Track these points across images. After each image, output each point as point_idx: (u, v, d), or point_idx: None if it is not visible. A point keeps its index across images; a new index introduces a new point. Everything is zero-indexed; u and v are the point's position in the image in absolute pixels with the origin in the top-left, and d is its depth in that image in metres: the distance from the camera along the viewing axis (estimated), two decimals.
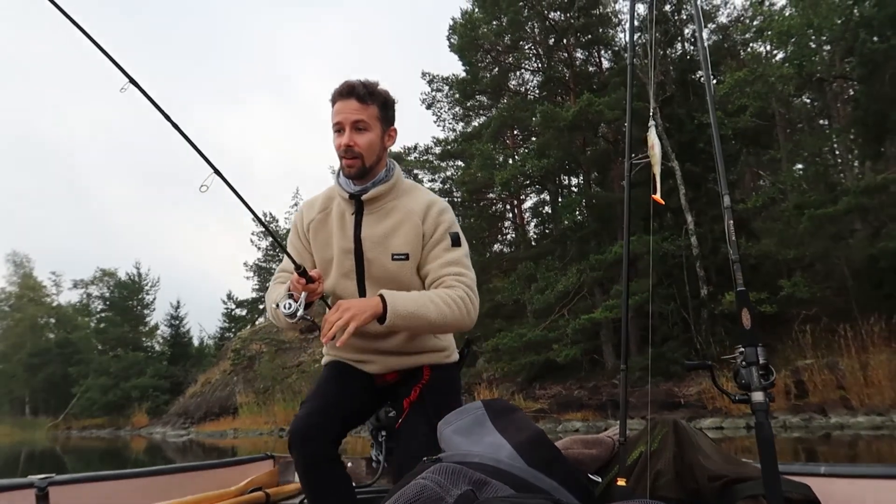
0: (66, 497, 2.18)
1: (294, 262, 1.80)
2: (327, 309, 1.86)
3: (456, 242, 1.87)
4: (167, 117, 1.71)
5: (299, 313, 1.71)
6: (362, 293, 1.90)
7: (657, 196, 1.69)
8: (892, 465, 1.69)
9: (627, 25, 2.07)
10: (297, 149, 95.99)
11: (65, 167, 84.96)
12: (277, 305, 1.75)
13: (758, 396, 1.36)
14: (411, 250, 1.86)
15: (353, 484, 2.62)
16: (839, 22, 12.78)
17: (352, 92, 1.81)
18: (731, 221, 1.51)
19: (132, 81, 1.69)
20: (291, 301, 1.71)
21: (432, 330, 1.82)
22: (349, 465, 2.73)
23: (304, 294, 1.71)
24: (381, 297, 1.71)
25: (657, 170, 1.71)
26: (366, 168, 1.85)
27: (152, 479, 2.57)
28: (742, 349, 1.39)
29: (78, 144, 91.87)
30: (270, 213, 38.23)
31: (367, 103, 1.82)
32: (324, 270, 1.92)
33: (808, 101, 17.71)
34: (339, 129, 1.84)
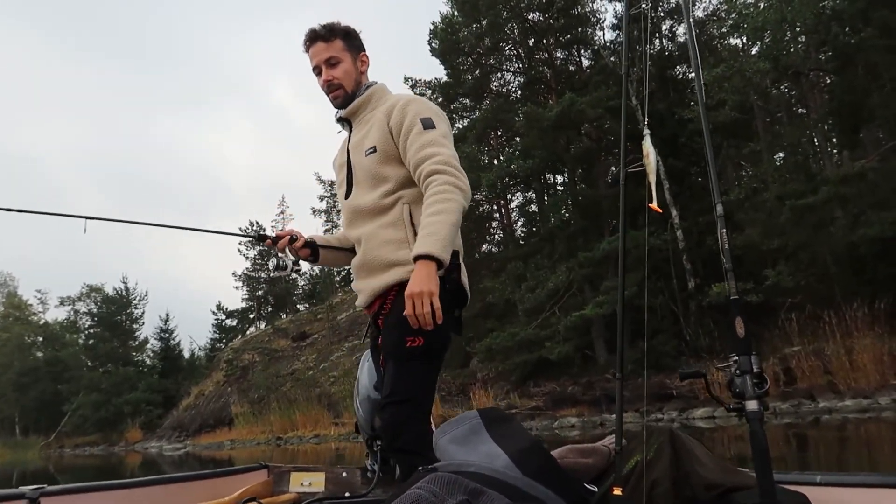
0: None
1: (247, 235, 2.25)
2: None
3: (428, 125, 1.91)
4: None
5: (285, 266, 2.09)
6: (348, 195, 2.09)
7: (654, 205, 1.66)
8: (888, 475, 1.67)
9: (623, 52, 2.13)
10: (275, 158, 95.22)
11: (40, 181, 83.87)
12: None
13: (752, 405, 1.35)
14: (378, 142, 1.97)
15: (348, 494, 2.59)
16: (812, 15, 13.06)
17: (315, 36, 2.05)
18: (725, 230, 1.50)
19: (91, 218, 2.12)
20: (274, 260, 2.10)
21: (459, 222, 1.85)
22: (344, 474, 2.74)
23: (279, 253, 2.08)
24: (420, 256, 1.75)
25: (653, 178, 1.69)
26: (349, 95, 2.07)
27: (145, 489, 2.52)
28: (736, 357, 1.39)
29: (50, 157, 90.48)
30: (257, 223, 38.21)
31: (330, 40, 2.05)
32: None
33: (786, 90, 18.01)
34: (317, 71, 2.07)
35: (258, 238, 2.09)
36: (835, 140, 17.13)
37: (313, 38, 2.05)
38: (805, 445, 7.70)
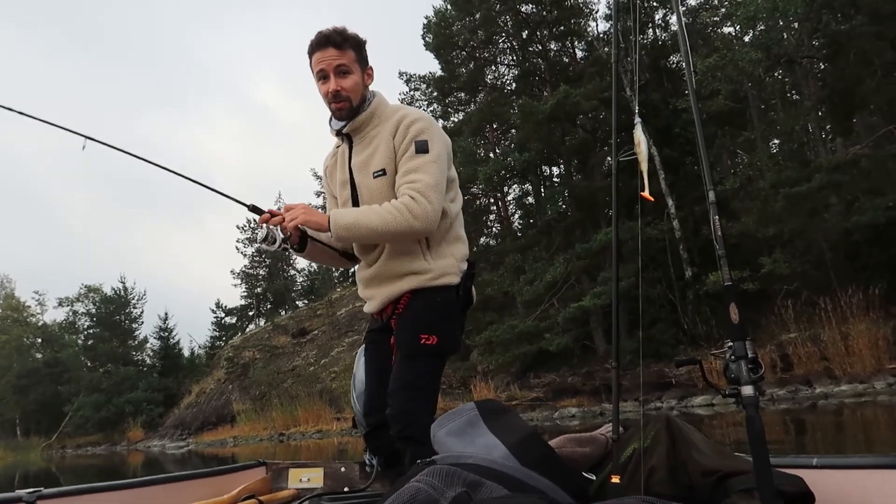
0: None
1: (242, 203, 2.14)
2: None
3: (421, 149, 1.91)
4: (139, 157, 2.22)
5: (273, 240, 2.00)
6: None
7: (646, 193, 1.66)
8: (883, 455, 1.69)
9: (612, 42, 2.12)
10: (265, 154, 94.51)
11: (25, 181, 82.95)
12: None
13: (747, 390, 1.34)
14: (387, 165, 1.96)
15: (347, 489, 2.62)
16: (803, 3, 13.11)
17: (328, 40, 1.95)
18: (717, 217, 1.49)
19: (90, 139, 2.16)
20: (264, 231, 2.01)
21: (380, 237, 1.92)
22: (342, 469, 2.75)
23: (270, 226, 1.99)
24: (331, 214, 1.90)
25: (644, 167, 1.68)
26: (353, 108, 2.00)
27: (143, 489, 2.49)
28: (731, 343, 1.38)
29: (33, 157, 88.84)
30: (255, 220, 38.17)
31: (344, 49, 1.96)
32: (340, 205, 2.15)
33: (780, 76, 18.07)
34: (323, 76, 1.98)
35: (252, 209, 2.06)
36: (829, 127, 17.22)
37: (325, 41, 1.95)
38: (802, 430, 7.82)
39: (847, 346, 11.60)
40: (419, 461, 1.53)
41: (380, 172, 1.97)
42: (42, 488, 2.09)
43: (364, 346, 2.26)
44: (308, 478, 2.80)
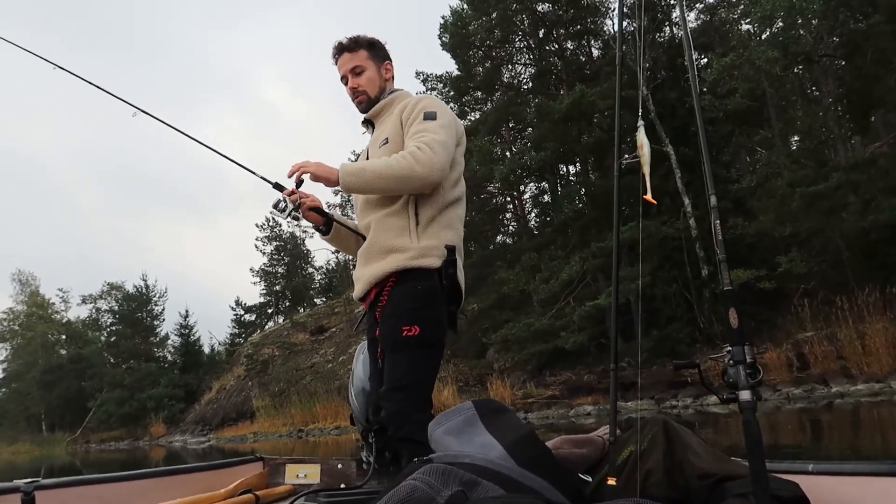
0: (53, 501, 2.14)
1: (267, 180, 2.23)
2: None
3: (429, 117, 2.03)
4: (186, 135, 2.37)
5: (284, 208, 2.10)
6: None
7: (648, 196, 1.68)
8: (879, 462, 1.69)
9: (617, 38, 2.18)
10: (274, 152, 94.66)
11: (39, 179, 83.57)
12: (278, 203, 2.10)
13: (745, 395, 1.35)
14: (391, 134, 2.11)
15: (343, 486, 2.66)
16: (820, 2, 13.07)
17: (341, 49, 2.21)
18: (718, 221, 1.50)
19: (141, 110, 2.35)
20: (277, 198, 2.13)
21: (385, 182, 1.94)
22: (339, 466, 2.79)
23: (286, 196, 2.11)
24: (341, 168, 1.99)
25: (647, 170, 1.71)
26: (372, 100, 2.21)
27: (140, 482, 2.50)
28: (730, 348, 1.38)
29: (45, 155, 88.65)
30: (273, 219, 38.62)
31: (354, 51, 2.21)
32: None
33: (800, 72, 17.92)
34: (344, 80, 2.23)
35: (276, 186, 2.15)
36: (850, 125, 17.09)
37: (340, 50, 2.21)
38: (818, 430, 7.86)
39: (864, 345, 11.56)
40: (416, 459, 1.55)
41: (384, 142, 2.12)
42: (40, 478, 2.12)
43: (366, 343, 2.30)
44: (304, 474, 2.82)
